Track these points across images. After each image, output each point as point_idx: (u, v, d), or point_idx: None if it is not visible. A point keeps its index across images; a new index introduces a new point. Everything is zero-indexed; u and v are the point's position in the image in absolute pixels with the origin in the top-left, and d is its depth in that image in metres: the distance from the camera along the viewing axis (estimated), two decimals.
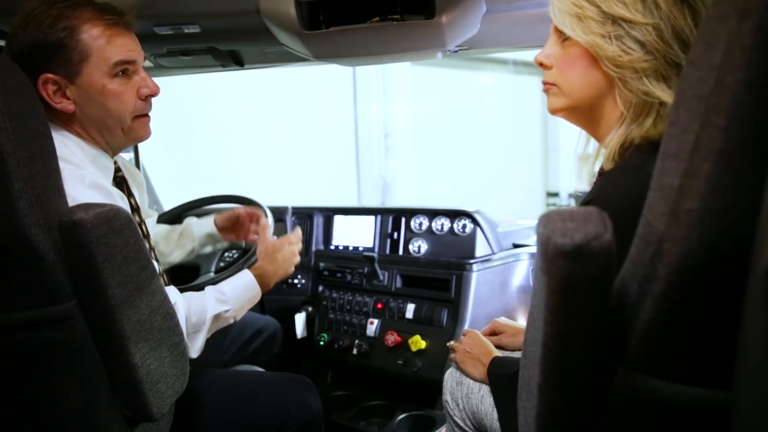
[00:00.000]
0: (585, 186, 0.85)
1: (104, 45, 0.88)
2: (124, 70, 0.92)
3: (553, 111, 0.77)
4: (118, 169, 1.04)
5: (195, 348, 1.01)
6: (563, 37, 0.72)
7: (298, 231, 1.28)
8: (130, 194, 1.07)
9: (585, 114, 0.75)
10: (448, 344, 1.12)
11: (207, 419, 1.06)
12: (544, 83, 0.77)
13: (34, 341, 0.74)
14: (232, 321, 1.09)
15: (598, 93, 0.71)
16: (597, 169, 0.80)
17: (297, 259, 1.25)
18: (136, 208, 1.08)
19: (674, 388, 0.47)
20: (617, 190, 0.65)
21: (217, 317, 1.05)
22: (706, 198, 0.41)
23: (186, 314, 0.99)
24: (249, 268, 1.17)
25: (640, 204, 0.48)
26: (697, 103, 0.41)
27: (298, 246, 1.25)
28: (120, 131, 0.95)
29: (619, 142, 0.70)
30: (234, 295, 1.09)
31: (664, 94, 0.66)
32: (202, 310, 1.03)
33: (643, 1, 0.65)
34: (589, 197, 0.68)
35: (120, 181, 1.04)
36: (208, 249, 1.46)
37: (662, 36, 0.64)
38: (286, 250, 1.22)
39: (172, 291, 0.99)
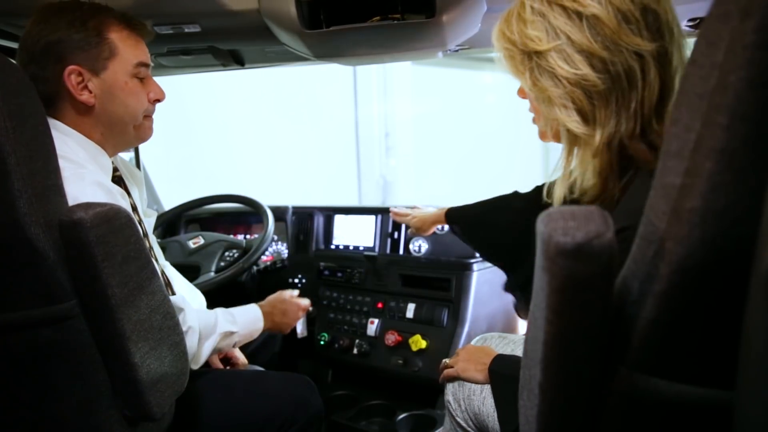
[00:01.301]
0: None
1: (130, 46, 0.96)
2: (140, 73, 0.98)
3: (542, 138, 0.82)
4: (115, 169, 1.04)
5: (198, 360, 1.07)
6: None
7: (308, 302, 1.37)
8: (128, 194, 1.07)
9: (555, 138, 0.77)
10: (444, 361, 1.12)
11: (207, 418, 1.06)
12: (530, 111, 0.81)
13: (34, 341, 0.74)
14: (233, 344, 1.16)
15: (546, 122, 0.74)
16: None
17: (299, 321, 1.39)
18: (134, 207, 1.08)
19: (676, 387, 0.46)
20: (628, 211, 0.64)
21: (224, 335, 1.12)
22: (707, 197, 0.41)
23: (197, 325, 1.05)
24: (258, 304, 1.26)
25: None
26: (699, 101, 0.41)
27: (305, 304, 1.35)
28: (132, 128, 1.00)
29: (581, 177, 0.72)
30: (242, 321, 1.17)
31: (569, 120, 0.67)
32: (211, 324, 1.10)
33: (545, 29, 0.66)
34: (623, 225, 0.67)
35: (117, 180, 1.05)
36: None
37: (565, 57, 0.65)
38: (292, 307, 1.31)
39: (179, 299, 1.02)
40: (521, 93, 0.78)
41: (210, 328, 1.10)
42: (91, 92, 0.93)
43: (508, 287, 1.13)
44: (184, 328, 1.01)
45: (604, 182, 0.71)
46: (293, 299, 1.33)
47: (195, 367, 1.07)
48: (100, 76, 0.93)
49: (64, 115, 0.94)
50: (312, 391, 1.20)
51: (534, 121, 0.80)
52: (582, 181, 0.72)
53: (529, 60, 0.69)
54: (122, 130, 0.99)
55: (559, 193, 0.74)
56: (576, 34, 0.65)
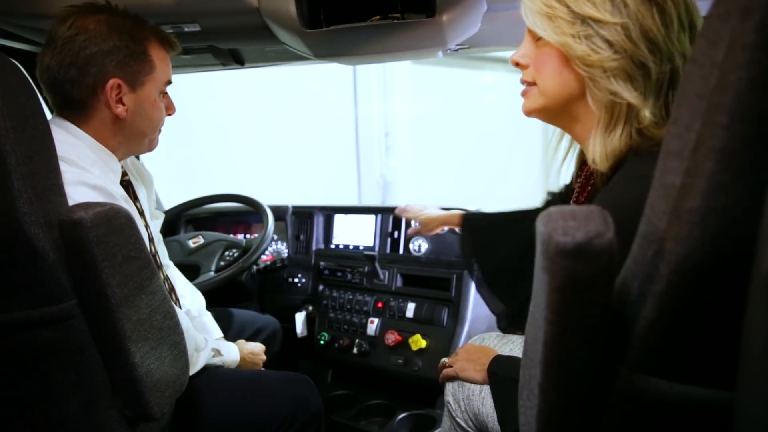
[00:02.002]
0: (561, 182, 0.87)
1: (164, 64, 0.99)
2: (165, 91, 1.03)
3: (529, 112, 0.78)
4: (124, 173, 1.05)
5: (194, 366, 1.10)
6: (537, 37, 0.73)
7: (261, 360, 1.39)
8: (135, 198, 1.08)
9: (560, 114, 0.76)
10: (442, 360, 1.11)
11: (207, 418, 1.06)
12: (523, 82, 0.78)
13: (34, 341, 0.74)
14: (218, 364, 1.21)
15: (572, 92, 0.72)
16: (570, 167, 0.80)
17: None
18: (141, 213, 1.08)
19: (676, 387, 0.46)
20: (625, 199, 0.64)
21: (215, 352, 1.19)
22: (708, 196, 0.41)
23: (192, 331, 1.08)
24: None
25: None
26: (699, 101, 0.41)
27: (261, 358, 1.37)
28: (147, 141, 1.03)
29: (603, 150, 0.70)
30: (226, 349, 1.24)
31: (631, 96, 0.66)
32: (202, 339, 1.14)
33: (612, 1, 0.65)
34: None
35: (126, 185, 1.05)
36: None
37: (630, 36, 0.65)
38: (255, 359, 1.34)
39: (181, 315, 1.04)
40: (526, 57, 0.75)
41: (203, 342, 1.14)
42: (125, 105, 0.94)
43: (499, 317, 1.10)
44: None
45: (613, 163, 0.70)
46: (258, 354, 1.36)
47: (190, 373, 1.09)
48: (137, 92, 0.95)
49: (89, 121, 0.94)
50: (312, 391, 1.20)
51: (524, 93, 0.78)
52: (596, 158, 0.71)
53: (582, 24, 0.66)
54: (139, 142, 1.01)
55: (601, 154, 0.70)
56: (648, 19, 0.64)
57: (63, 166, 0.78)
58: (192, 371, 1.10)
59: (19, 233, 0.68)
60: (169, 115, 1.06)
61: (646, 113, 0.66)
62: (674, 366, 0.47)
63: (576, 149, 0.86)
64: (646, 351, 0.47)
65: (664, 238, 0.44)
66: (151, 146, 1.05)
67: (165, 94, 1.03)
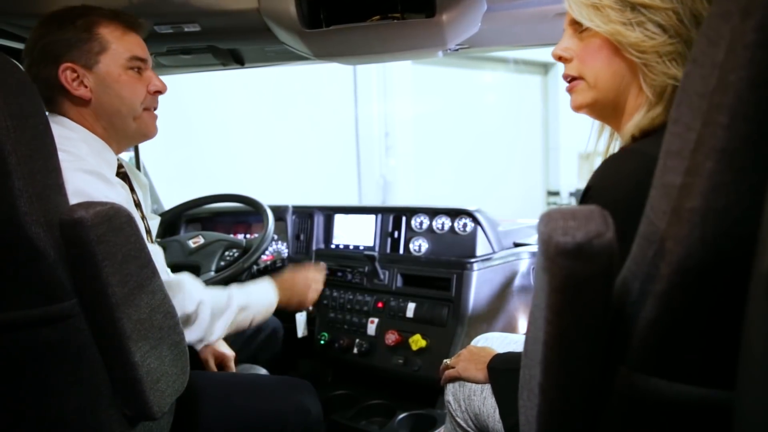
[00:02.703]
0: (585, 184, 0.85)
1: (121, 40, 0.99)
2: (138, 67, 1.01)
3: (579, 107, 0.76)
4: (120, 165, 1.06)
5: (212, 333, 1.10)
6: (580, 29, 0.72)
7: (322, 266, 1.37)
8: (132, 190, 1.09)
9: (610, 106, 0.74)
10: (444, 361, 1.11)
11: (206, 421, 1.06)
12: (568, 77, 0.76)
13: (34, 340, 0.74)
14: (250, 322, 1.18)
15: (623, 81, 0.71)
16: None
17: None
18: (138, 204, 1.09)
19: (676, 387, 0.46)
20: (617, 175, 0.64)
21: (240, 309, 1.15)
22: (708, 196, 0.41)
23: (206, 297, 1.09)
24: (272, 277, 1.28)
25: (639, 189, 0.47)
26: (700, 101, 0.41)
27: (319, 280, 1.35)
28: (132, 120, 1.02)
29: (635, 129, 0.69)
30: (256, 295, 1.20)
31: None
32: (224, 301, 1.13)
33: None
34: (588, 184, 0.67)
35: (122, 176, 1.06)
36: None
37: (682, 19, 0.65)
38: (303, 280, 1.33)
39: (176, 280, 1.06)
40: (569, 50, 0.73)
41: (223, 304, 1.13)
42: (86, 87, 0.96)
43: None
44: (192, 306, 1.06)
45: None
46: (306, 273, 1.34)
47: (212, 339, 1.11)
48: (93, 71, 0.96)
49: (65, 111, 0.97)
50: (312, 397, 1.20)
51: (570, 89, 0.75)
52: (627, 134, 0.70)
53: (632, 12, 0.66)
54: (123, 124, 1.01)
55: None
56: (697, 3, 0.64)
57: (60, 156, 0.78)
58: (212, 338, 1.10)
59: (19, 232, 0.68)
60: (158, 92, 1.04)
61: None
62: (674, 366, 0.47)
63: (616, 141, 0.84)
64: (646, 351, 0.47)
65: (664, 237, 0.44)
66: (141, 129, 1.03)
67: (140, 69, 1.01)
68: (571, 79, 0.75)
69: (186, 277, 1.09)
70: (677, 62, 0.66)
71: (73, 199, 0.77)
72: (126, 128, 1.02)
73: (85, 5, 0.99)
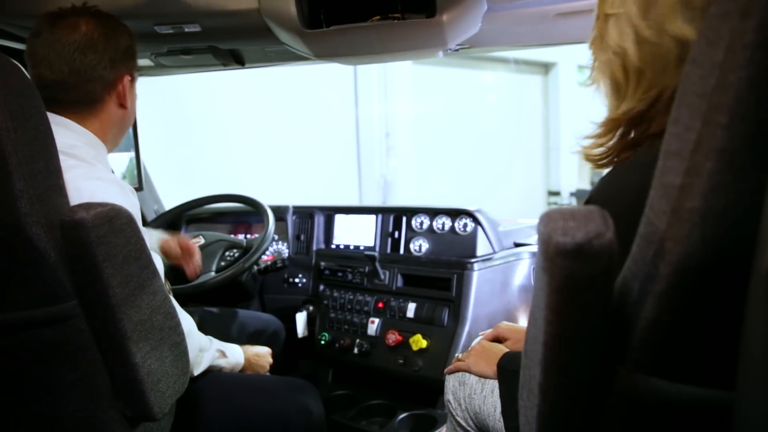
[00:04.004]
0: (586, 184, 0.85)
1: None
2: None
3: None
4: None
5: (198, 366, 1.11)
6: None
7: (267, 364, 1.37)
8: None
9: None
10: (456, 356, 1.12)
11: (207, 422, 1.06)
12: None
13: (35, 341, 0.74)
14: (221, 368, 1.21)
15: None
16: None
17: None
18: None
19: (676, 387, 0.46)
20: (618, 187, 0.64)
21: (220, 353, 1.20)
22: (708, 196, 0.41)
23: (195, 331, 1.11)
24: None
25: (642, 202, 0.47)
26: (699, 101, 0.41)
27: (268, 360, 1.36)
28: (123, 135, 1.06)
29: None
30: (230, 351, 1.24)
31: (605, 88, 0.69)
32: (207, 340, 1.16)
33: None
34: (589, 197, 0.67)
35: None
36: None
37: (619, 27, 0.65)
38: (260, 360, 1.33)
39: (184, 316, 1.06)
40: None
41: (207, 343, 1.15)
42: (128, 98, 1.00)
43: None
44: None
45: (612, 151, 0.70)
46: (264, 357, 1.35)
47: (195, 373, 1.11)
48: (133, 86, 1.02)
49: (97, 116, 0.97)
50: (314, 397, 1.20)
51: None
52: None
53: (602, 21, 0.67)
54: (122, 135, 1.05)
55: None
56: (632, 6, 0.63)
57: (71, 162, 0.78)
58: (196, 372, 1.10)
59: (20, 233, 0.68)
60: None
61: (621, 109, 0.67)
62: (674, 366, 0.47)
63: None
64: (646, 351, 0.47)
65: (664, 238, 0.44)
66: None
67: None
68: None
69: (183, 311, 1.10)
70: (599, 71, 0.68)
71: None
72: (120, 139, 1.05)
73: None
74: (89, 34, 0.93)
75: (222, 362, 1.20)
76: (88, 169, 0.86)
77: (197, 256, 1.44)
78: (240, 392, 1.13)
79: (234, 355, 1.24)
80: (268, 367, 1.34)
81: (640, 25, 0.62)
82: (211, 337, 1.19)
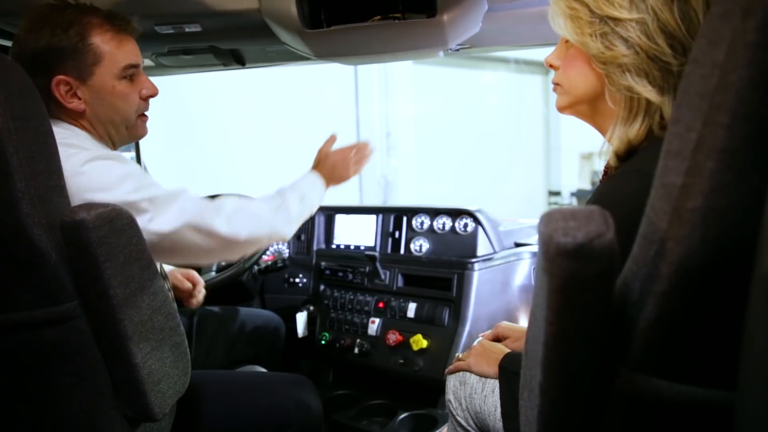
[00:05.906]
0: (586, 184, 0.86)
1: (115, 49, 0.94)
2: (131, 74, 0.97)
3: (559, 109, 0.81)
4: None
5: (291, 219, 1.12)
6: (566, 39, 0.75)
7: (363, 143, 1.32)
8: None
9: (587, 111, 0.78)
10: (456, 355, 1.12)
11: (207, 420, 1.06)
12: (553, 83, 0.81)
13: (36, 341, 0.74)
14: (313, 208, 1.20)
15: (594, 90, 0.74)
16: (602, 166, 0.81)
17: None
18: None
19: (677, 387, 0.46)
20: (619, 194, 0.65)
21: (300, 197, 1.16)
22: (709, 196, 0.41)
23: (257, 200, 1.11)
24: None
25: (641, 210, 0.48)
26: (700, 101, 0.41)
27: (361, 151, 1.31)
28: (125, 129, 1.00)
29: (621, 143, 0.71)
30: (305, 186, 1.22)
31: (645, 90, 0.67)
32: (276, 196, 1.15)
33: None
34: (591, 200, 0.68)
35: None
36: None
37: (646, 31, 0.65)
38: (342, 160, 1.29)
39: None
40: (557, 59, 0.77)
41: (275, 203, 1.13)
42: (80, 99, 0.92)
43: None
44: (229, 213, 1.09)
45: (624, 155, 0.71)
46: (342, 151, 1.31)
47: (295, 227, 1.13)
48: (87, 83, 0.92)
49: (61, 117, 0.94)
50: (312, 393, 1.20)
51: (555, 89, 0.80)
52: (611, 150, 0.72)
53: (600, 24, 0.68)
54: (116, 130, 0.99)
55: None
56: (665, 13, 0.64)
57: (69, 151, 0.78)
58: (293, 218, 1.12)
59: (21, 234, 0.68)
60: (150, 96, 1.01)
61: (666, 108, 0.67)
62: (675, 366, 0.47)
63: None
64: (647, 351, 0.47)
65: (665, 238, 0.43)
66: (132, 134, 1.02)
67: (132, 76, 0.97)
68: (555, 84, 0.80)
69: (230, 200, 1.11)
70: (634, 74, 0.67)
71: (90, 195, 0.79)
72: (120, 135, 1.00)
73: (77, 3, 0.94)
74: (19, 33, 0.89)
75: (307, 204, 1.18)
76: (86, 153, 0.85)
77: (200, 286, 1.37)
78: (239, 389, 1.13)
79: (312, 190, 1.22)
80: (353, 167, 1.30)
81: (678, 32, 0.64)
82: (282, 191, 1.16)
